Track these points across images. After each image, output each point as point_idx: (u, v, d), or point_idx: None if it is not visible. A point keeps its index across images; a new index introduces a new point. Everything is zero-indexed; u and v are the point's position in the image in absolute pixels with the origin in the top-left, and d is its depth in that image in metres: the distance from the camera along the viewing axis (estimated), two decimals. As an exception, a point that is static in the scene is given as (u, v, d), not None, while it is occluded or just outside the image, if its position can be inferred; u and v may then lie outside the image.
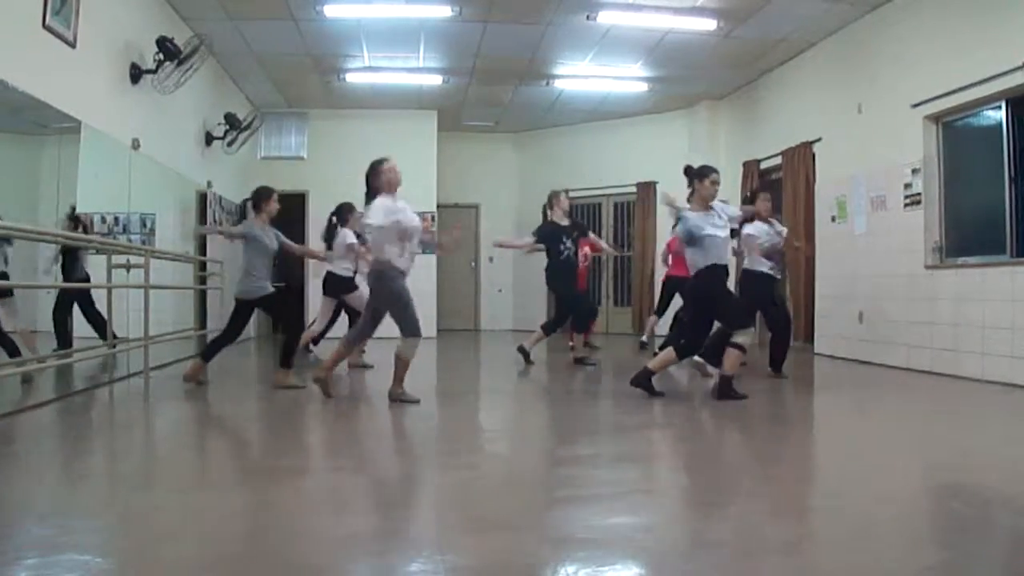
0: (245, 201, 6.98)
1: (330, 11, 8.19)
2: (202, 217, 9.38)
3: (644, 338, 9.77)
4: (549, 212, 8.17)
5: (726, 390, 5.49)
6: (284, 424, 4.99)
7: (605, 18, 8.39)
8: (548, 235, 8.01)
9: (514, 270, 14.34)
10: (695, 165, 5.69)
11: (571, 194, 13.54)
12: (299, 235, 12.55)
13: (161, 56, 7.21)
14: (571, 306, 8.21)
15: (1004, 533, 2.71)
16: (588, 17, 8.34)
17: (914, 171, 7.33)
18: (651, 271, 12.50)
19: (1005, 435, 4.59)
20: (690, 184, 5.61)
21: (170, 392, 6.24)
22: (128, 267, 6.45)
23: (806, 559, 2.41)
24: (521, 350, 8.18)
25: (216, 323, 9.07)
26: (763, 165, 10.41)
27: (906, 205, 7.44)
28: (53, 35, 5.49)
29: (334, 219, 7.83)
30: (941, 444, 4.38)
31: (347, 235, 7.64)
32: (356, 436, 4.81)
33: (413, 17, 8.50)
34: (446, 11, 8.22)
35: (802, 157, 9.25)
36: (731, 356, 5.52)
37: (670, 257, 9.74)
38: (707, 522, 2.86)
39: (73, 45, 5.75)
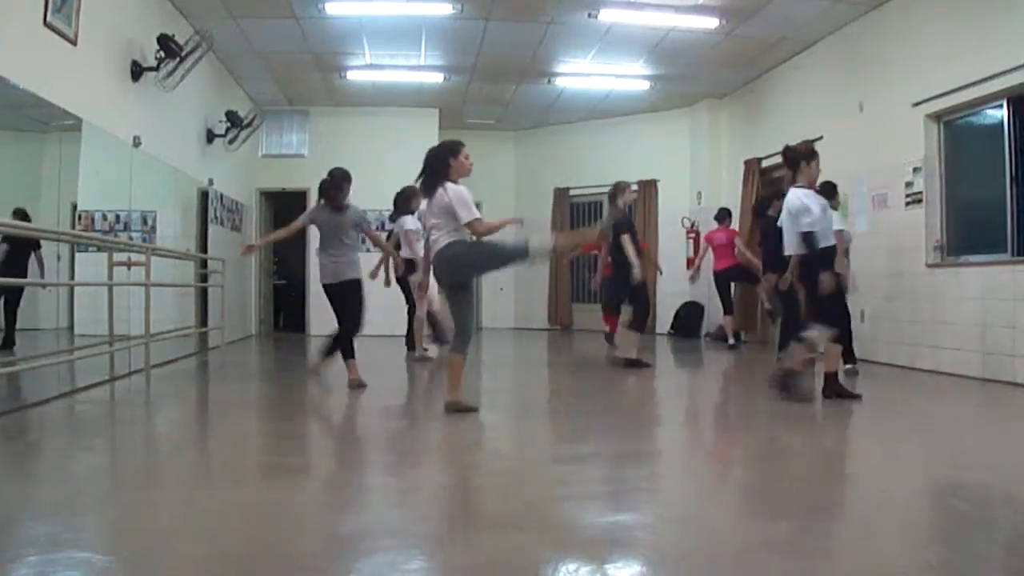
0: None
1: (331, 8, 8.18)
2: (203, 215, 9.37)
3: (732, 341, 9.74)
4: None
5: (834, 387, 5.38)
6: (286, 422, 5.00)
7: (607, 16, 8.38)
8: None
9: (515, 269, 14.33)
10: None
11: (572, 192, 13.69)
12: (300, 232, 12.55)
13: (162, 53, 7.20)
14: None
15: (1005, 532, 2.71)
16: (589, 15, 8.34)
17: (915, 170, 7.33)
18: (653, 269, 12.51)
19: (1006, 433, 4.59)
20: (794, 165, 5.48)
21: (171, 390, 6.25)
22: (129, 265, 6.46)
23: (807, 557, 2.41)
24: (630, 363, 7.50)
25: (217, 321, 9.10)
26: (764, 164, 10.40)
27: (907, 204, 7.43)
28: (54, 32, 5.48)
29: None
30: (942, 442, 4.38)
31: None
32: (358, 435, 4.82)
33: (415, 15, 8.50)
34: (447, 9, 8.21)
35: (803, 156, 9.23)
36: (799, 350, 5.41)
37: (711, 251, 9.83)
38: (708, 520, 2.86)
39: (74, 43, 5.75)
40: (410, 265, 7.41)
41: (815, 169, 5.48)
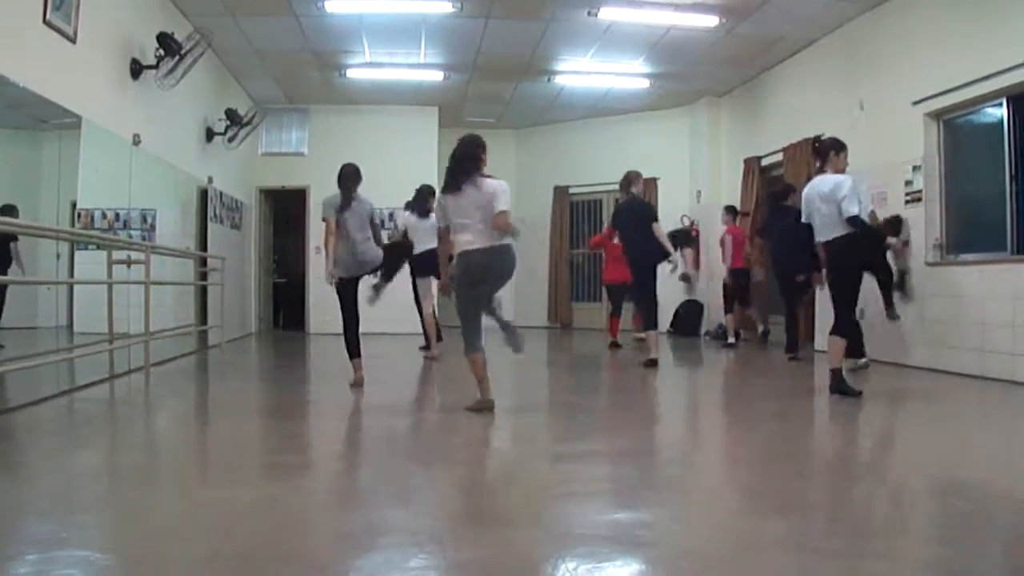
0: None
1: (331, 6, 8.17)
2: (203, 213, 9.36)
3: (731, 339, 9.75)
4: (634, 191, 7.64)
5: (839, 384, 5.39)
6: (286, 420, 5.00)
7: (607, 14, 8.37)
8: None
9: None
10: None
11: (571, 190, 13.67)
12: (300, 230, 12.59)
13: (162, 52, 7.20)
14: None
15: (1004, 530, 2.71)
16: (589, 13, 8.33)
17: (915, 168, 7.32)
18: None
19: (1005, 432, 4.60)
20: (823, 156, 5.62)
21: (171, 388, 6.25)
22: (129, 263, 6.46)
23: (805, 555, 2.41)
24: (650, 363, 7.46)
25: (216, 319, 9.10)
26: (764, 162, 10.40)
27: (907, 202, 7.43)
28: (53, 30, 5.48)
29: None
30: (941, 441, 4.38)
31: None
32: (359, 433, 4.81)
33: (414, 13, 8.49)
34: (447, 7, 8.20)
35: (803, 154, 9.22)
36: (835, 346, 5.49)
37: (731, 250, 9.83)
38: (705, 518, 2.86)
39: (73, 40, 5.74)
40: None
41: (843, 160, 5.58)
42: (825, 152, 5.60)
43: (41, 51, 5.38)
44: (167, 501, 3.02)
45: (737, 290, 9.76)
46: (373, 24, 8.82)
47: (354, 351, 5.96)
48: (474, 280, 4.82)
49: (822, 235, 5.50)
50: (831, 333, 5.51)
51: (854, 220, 5.27)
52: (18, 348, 5.67)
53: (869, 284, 7.92)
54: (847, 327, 5.50)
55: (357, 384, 5.90)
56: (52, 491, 3.11)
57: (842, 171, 5.54)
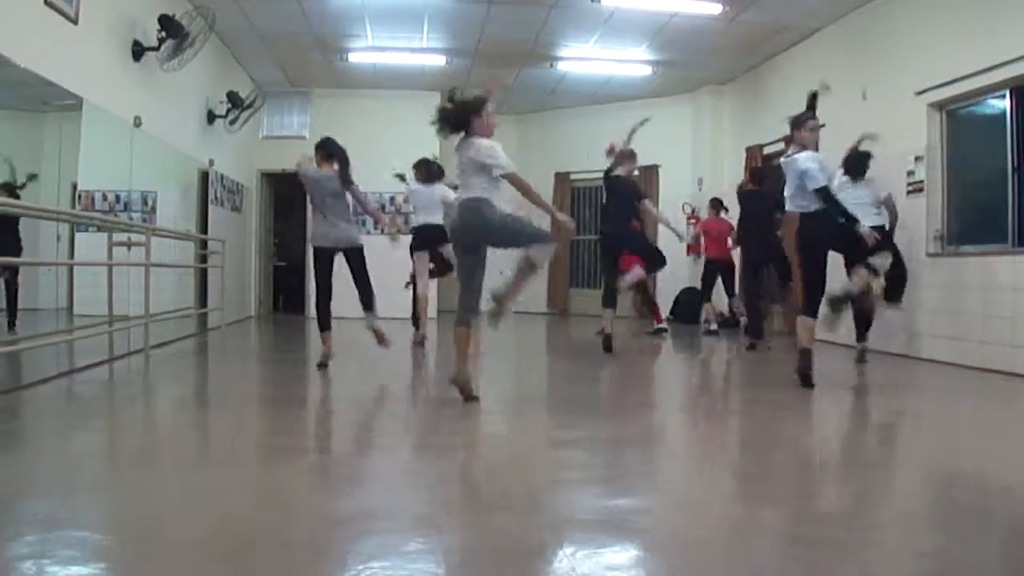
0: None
1: (333, -11, 8.15)
2: (203, 195, 9.36)
3: (713, 326, 9.92)
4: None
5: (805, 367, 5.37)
6: (284, 402, 5.01)
7: (610, 1, 8.33)
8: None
9: (516, 252, 14.31)
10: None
11: (573, 177, 13.64)
12: (301, 216, 12.57)
13: (163, 34, 7.17)
14: None
15: (1001, 521, 2.73)
16: (593, 0, 8.29)
17: (917, 159, 7.31)
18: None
19: (1004, 424, 4.61)
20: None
21: (170, 370, 6.27)
22: (129, 245, 6.47)
23: (802, 543, 2.42)
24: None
25: (216, 302, 9.11)
26: (766, 150, 10.38)
27: (908, 192, 7.42)
28: (55, 11, 5.46)
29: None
30: (939, 432, 4.40)
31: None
32: (356, 418, 4.83)
33: (417, -3, 8.47)
34: (450, -9, 8.18)
35: (805, 143, 9.20)
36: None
37: (702, 238, 9.91)
38: (704, 506, 2.88)
39: (75, 21, 5.72)
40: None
41: (806, 136, 5.68)
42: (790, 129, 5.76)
43: (43, 32, 5.36)
44: (165, 483, 3.03)
45: (710, 279, 9.89)
46: (375, 8, 8.77)
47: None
48: (461, 241, 4.98)
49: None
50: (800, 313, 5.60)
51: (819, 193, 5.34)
52: (18, 329, 5.69)
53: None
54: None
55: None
56: (51, 472, 3.13)
57: (806, 146, 5.61)
